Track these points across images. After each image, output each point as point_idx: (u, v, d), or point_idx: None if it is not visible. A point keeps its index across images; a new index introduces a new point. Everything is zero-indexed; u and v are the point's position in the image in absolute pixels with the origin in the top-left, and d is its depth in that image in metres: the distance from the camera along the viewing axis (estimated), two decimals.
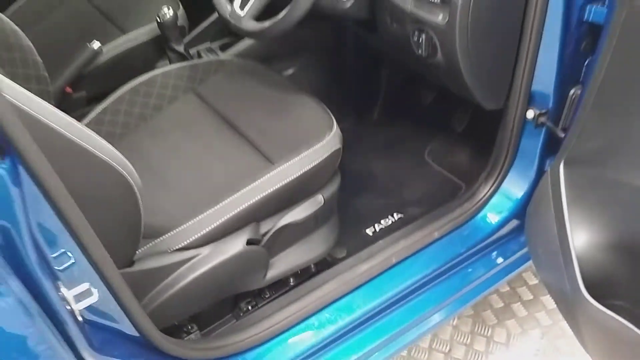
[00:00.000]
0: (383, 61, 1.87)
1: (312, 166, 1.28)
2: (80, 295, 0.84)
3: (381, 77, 1.91)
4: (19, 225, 0.72)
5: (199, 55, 1.74)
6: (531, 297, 1.80)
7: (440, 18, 1.19)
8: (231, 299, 1.37)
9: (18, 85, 0.76)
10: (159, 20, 1.58)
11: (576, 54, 1.28)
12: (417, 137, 1.85)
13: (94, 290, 0.84)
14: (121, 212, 1.00)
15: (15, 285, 0.68)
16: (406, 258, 1.40)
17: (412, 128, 1.88)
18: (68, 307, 0.81)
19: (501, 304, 1.79)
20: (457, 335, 1.71)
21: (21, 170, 0.72)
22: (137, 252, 1.13)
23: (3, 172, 0.68)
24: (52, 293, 0.78)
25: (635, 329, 1.03)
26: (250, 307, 1.36)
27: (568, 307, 1.19)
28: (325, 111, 1.39)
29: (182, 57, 1.65)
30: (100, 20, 1.80)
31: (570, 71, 1.29)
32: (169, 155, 1.34)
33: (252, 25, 1.28)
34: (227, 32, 1.79)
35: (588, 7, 1.21)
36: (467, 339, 1.70)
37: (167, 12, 1.56)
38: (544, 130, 1.37)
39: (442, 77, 1.36)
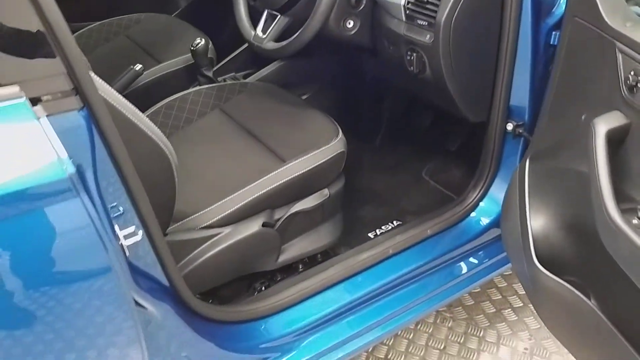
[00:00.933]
0: (386, 92, 2.11)
1: (319, 163, 1.49)
2: (128, 235, 1.04)
3: (384, 107, 2.15)
4: (88, 164, 0.93)
5: (225, 82, 1.99)
6: (521, 304, 1.95)
7: (427, 38, 1.43)
8: (247, 281, 1.55)
9: (105, 84, 1.02)
10: (192, 48, 1.85)
11: (546, 73, 1.50)
12: (416, 159, 2.07)
13: (139, 232, 1.05)
14: (161, 182, 1.21)
15: (93, 212, 0.88)
16: (402, 250, 1.59)
17: (411, 151, 2.10)
18: (120, 243, 1.01)
19: (493, 310, 1.94)
20: (452, 335, 1.86)
21: (93, 126, 0.94)
22: (169, 228, 1.34)
23: (82, 118, 0.90)
24: (109, 229, 0.98)
25: (577, 292, 1.19)
26: (263, 288, 1.54)
27: (527, 283, 1.35)
28: (332, 122, 1.62)
29: (211, 82, 1.91)
30: (140, 52, 2.08)
31: (542, 88, 1.51)
32: (196, 156, 1.57)
33: (271, 45, 1.54)
34: (250, 64, 2.06)
35: (553, 33, 1.45)
36: (460, 339, 1.85)
37: (200, 42, 1.84)
38: (522, 140, 1.59)
39: (432, 93, 1.60)
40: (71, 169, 0.84)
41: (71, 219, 0.87)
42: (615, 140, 1.08)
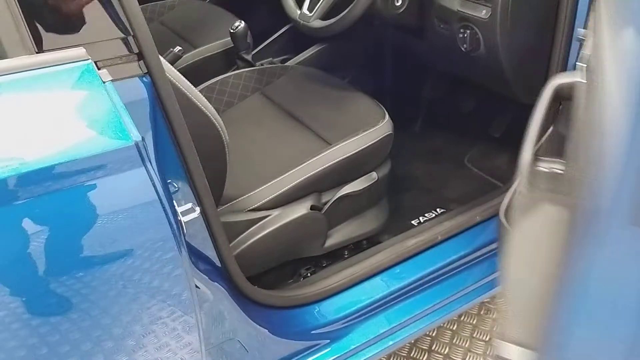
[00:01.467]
0: (426, 75, 2.06)
1: (366, 146, 1.44)
2: (185, 211, 1.00)
3: (424, 90, 2.10)
4: (149, 134, 0.89)
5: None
6: None
7: (483, 13, 1.38)
8: (290, 267, 1.51)
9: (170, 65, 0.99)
10: (232, 31, 1.81)
11: None
12: (457, 145, 2.01)
13: (196, 209, 1.00)
14: (214, 160, 1.17)
15: (159, 185, 0.84)
16: (450, 237, 1.54)
17: (451, 137, 2.04)
18: (179, 219, 0.97)
19: None
20: (497, 327, 1.81)
21: (155, 94, 0.90)
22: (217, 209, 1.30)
23: (144, 85, 0.87)
24: (171, 203, 0.94)
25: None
26: (309, 274, 1.50)
27: None
28: (377, 104, 1.57)
29: (251, 66, 1.86)
30: (175, 38, 2.04)
31: None
32: (239, 140, 1.52)
33: (318, 23, 1.50)
34: (287, 48, 2.02)
35: None
36: None
37: (240, 24, 1.80)
38: None
39: (482, 73, 1.54)
40: (137, 136, 0.80)
41: (136, 189, 0.83)
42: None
